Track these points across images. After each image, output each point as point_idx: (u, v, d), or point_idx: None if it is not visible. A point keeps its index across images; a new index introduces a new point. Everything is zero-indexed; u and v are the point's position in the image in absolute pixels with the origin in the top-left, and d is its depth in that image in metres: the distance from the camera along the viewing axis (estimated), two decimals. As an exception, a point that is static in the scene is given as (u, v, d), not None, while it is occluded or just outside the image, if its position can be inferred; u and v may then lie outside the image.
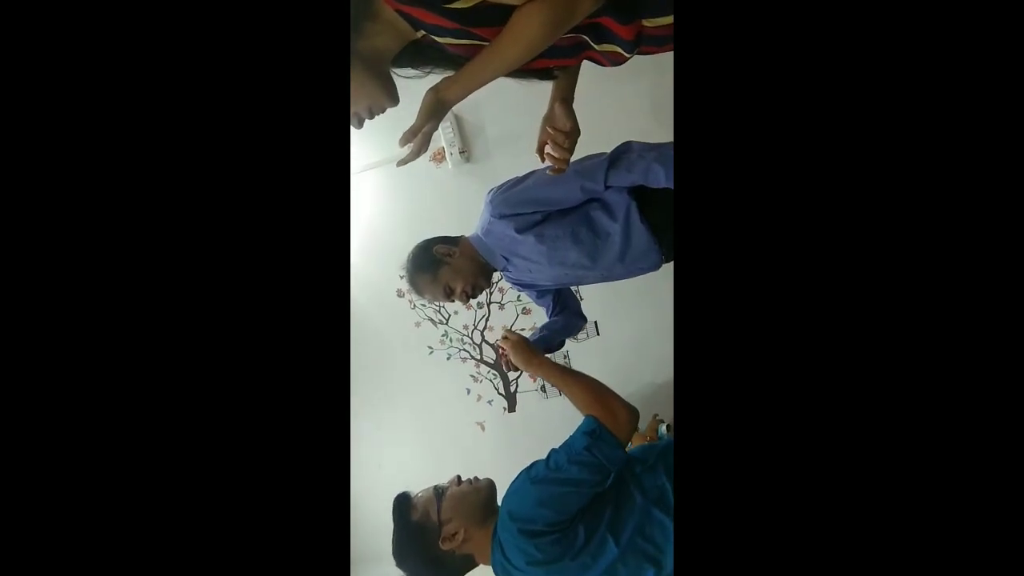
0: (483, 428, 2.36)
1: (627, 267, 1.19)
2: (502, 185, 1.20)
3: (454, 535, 1.02)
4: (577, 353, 2.25)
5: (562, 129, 0.92)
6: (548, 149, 0.95)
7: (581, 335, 2.25)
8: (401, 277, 2.24)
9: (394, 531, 1.06)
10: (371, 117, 0.90)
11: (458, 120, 2.15)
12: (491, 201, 1.15)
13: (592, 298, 2.20)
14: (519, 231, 1.13)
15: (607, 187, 1.07)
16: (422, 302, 2.34)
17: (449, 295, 1.23)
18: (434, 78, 0.84)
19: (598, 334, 2.23)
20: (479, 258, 1.22)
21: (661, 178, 1.04)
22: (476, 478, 1.12)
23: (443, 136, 2.13)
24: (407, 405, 2.39)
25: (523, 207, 1.11)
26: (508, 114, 2.12)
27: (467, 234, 1.28)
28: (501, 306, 2.30)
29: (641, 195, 1.10)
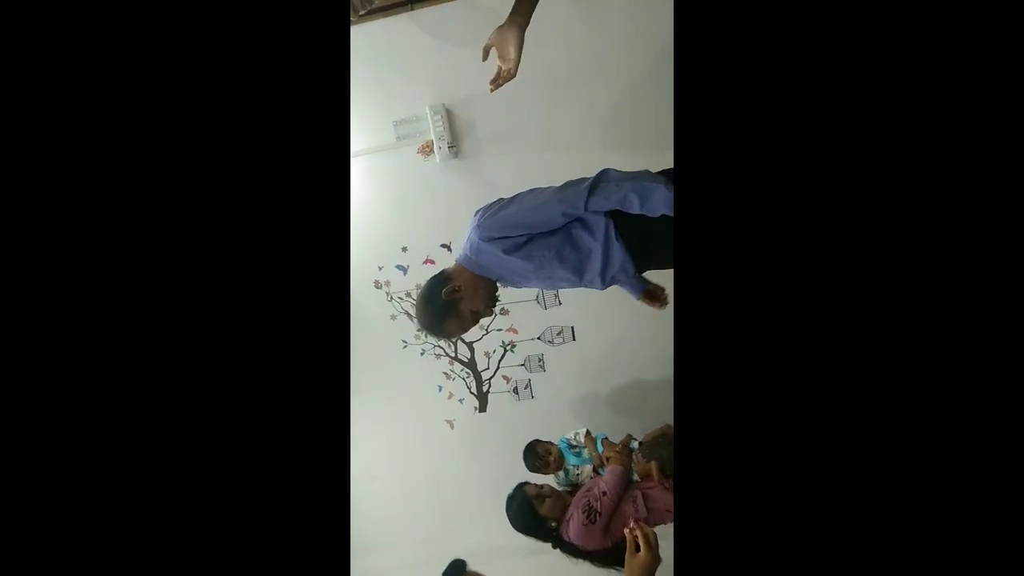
0: (452, 426, 2.34)
1: (607, 280, 1.27)
2: (488, 208, 1.24)
3: None
4: (552, 355, 2.26)
5: (507, 64, 1.11)
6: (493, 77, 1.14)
7: (557, 339, 2.26)
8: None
9: None
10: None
11: (449, 114, 2.13)
12: (479, 225, 1.20)
13: (569, 304, 2.22)
14: (506, 252, 1.17)
15: (586, 211, 1.17)
16: (399, 295, 2.31)
17: (477, 319, 1.28)
18: None
19: (574, 339, 2.24)
20: (480, 278, 1.25)
21: (636, 206, 1.12)
22: None
23: (432, 129, 2.11)
24: (378, 397, 2.36)
25: (509, 231, 1.17)
26: (500, 114, 2.11)
27: (455, 256, 1.31)
28: (479, 305, 2.30)
29: (617, 214, 1.18)
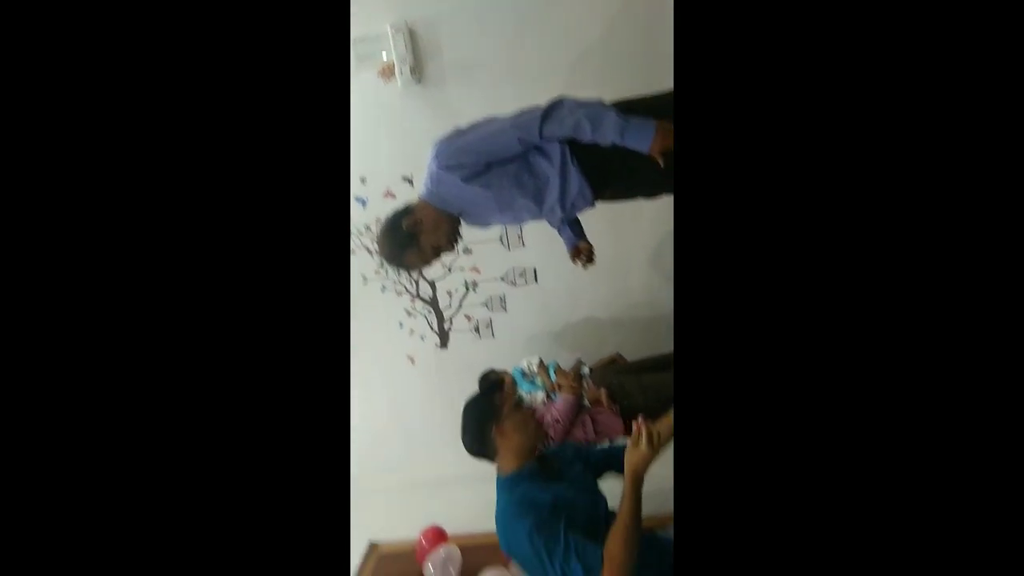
0: (413, 362, 2.38)
1: (567, 208, 1.29)
2: (446, 137, 1.23)
3: None
4: (514, 296, 2.28)
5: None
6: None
7: (520, 280, 2.27)
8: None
9: None
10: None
11: (412, 35, 1.96)
12: (437, 154, 1.20)
13: (532, 245, 2.21)
14: (465, 181, 1.18)
15: (541, 138, 1.17)
16: (357, 228, 2.23)
17: (438, 254, 1.29)
18: None
19: (536, 281, 2.26)
20: (442, 213, 1.27)
21: (587, 132, 1.13)
22: None
23: (394, 50, 1.94)
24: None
25: (467, 157, 1.18)
26: (467, 39, 1.96)
27: (418, 193, 1.29)
28: (442, 243, 2.26)
29: (573, 142, 1.20)
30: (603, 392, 1.73)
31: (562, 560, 0.98)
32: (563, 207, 1.27)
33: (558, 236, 2.18)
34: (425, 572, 1.81)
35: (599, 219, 2.16)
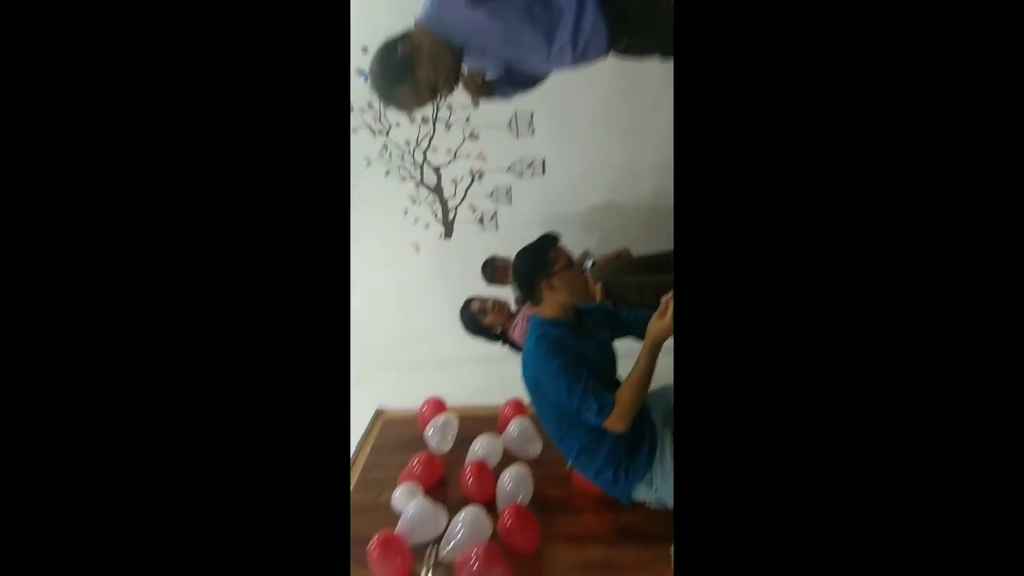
0: (417, 250, 2.41)
1: (578, 51, 1.16)
2: None
3: None
4: (520, 189, 2.23)
5: None
6: None
7: (527, 172, 2.20)
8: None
9: None
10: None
11: None
12: None
13: (541, 133, 2.10)
14: (471, 3, 1.03)
15: None
16: (361, 105, 2.12)
17: (434, 91, 1.13)
18: None
19: (544, 173, 2.19)
20: (443, 43, 1.10)
21: None
22: None
23: None
24: (341, 217, 2.35)
25: None
26: None
27: (416, 17, 1.12)
28: (448, 126, 2.14)
29: None
30: (599, 287, 1.78)
31: (581, 396, 1.16)
32: (574, 47, 1.13)
33: (568, 125, 2.07)
34: (425, 436, 2.03)
35: (608, 119, 2.03)
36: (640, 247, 2.00)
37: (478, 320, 1.85)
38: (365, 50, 2.04)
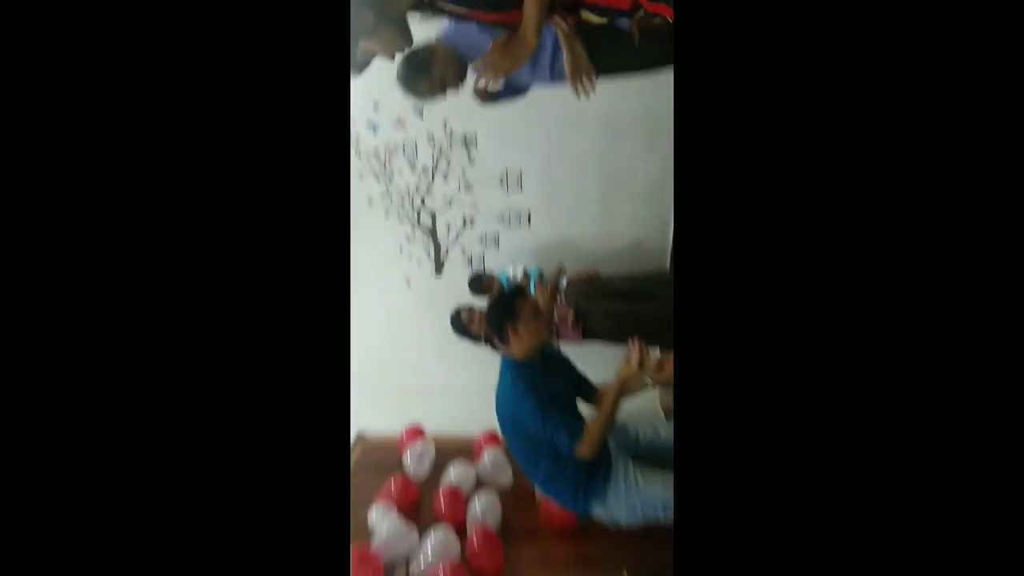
0: (409, 284, 2.58)
1: (555, 72, 1.34)
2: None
3: None
4: (506, 236, 2.43)
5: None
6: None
7: (514, 222, 2.42)
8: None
9: None
10: (391, 58, 1.10)
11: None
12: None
13: (529, 189, 2.34)
14: (480, 31, 1.24)
15: None
16: (367, 152, 2.34)
17: (444, 89, 1.37)
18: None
19: (529, 224, 2.41)
20: (454, 53, 1.35)
21: None
22: None
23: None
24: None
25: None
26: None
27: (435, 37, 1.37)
28: (445, 177, 2.37)
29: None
30: (571, 314, 1.98)
31: (555, 426, 1.35)
32: (552, 69, 1.34)
33: (554, 183, 2.31)
34: (404, 461, 2.15)
35: (588, 180, 2.28)
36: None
37: (465, 326, 2.09)
38: (376, 106, 2.27)
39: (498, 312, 1.46)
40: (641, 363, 1.33)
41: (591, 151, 2.29)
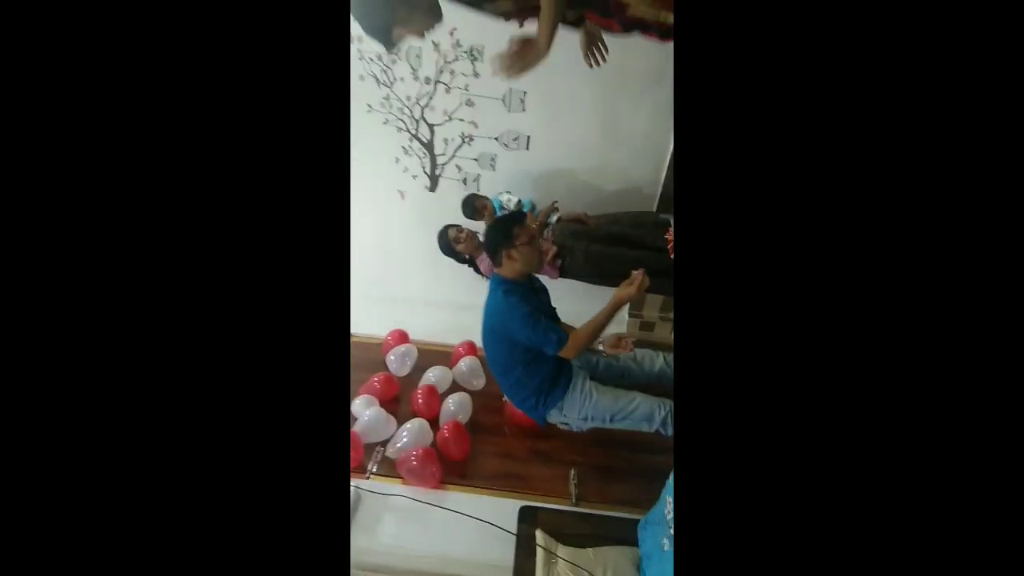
0: (403, 196, 2.62)
1: None
2: None
3: None
4: (504, 158, 2.45)
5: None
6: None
7: (513, 144, 2.43)
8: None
9: None
10: (421, 36, 1.13)
11: None
12: None
13: (532, 111, 2.32)
14: None
15: None
16: (371, 55, 2.27)
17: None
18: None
19: (528, 149, 2.42)
20: None
21: None
22: None
23: None
24: (336, 153, 2.51)
25: None
26: None
27: None
28: (448, 89, 2.33)
29: None
30: (553, 249, 2.08)
31: (543, 332, 1.51)
32: None
33: (556, 112, 2.27)
34: (387, 359, 2.34)
35: (593, 108, 2.26)
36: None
37: (452, 245, 2.16)
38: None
39: (496, 235, 1.56)
40: (640, 286, 1.48)
41: (597, 86, 2.25)
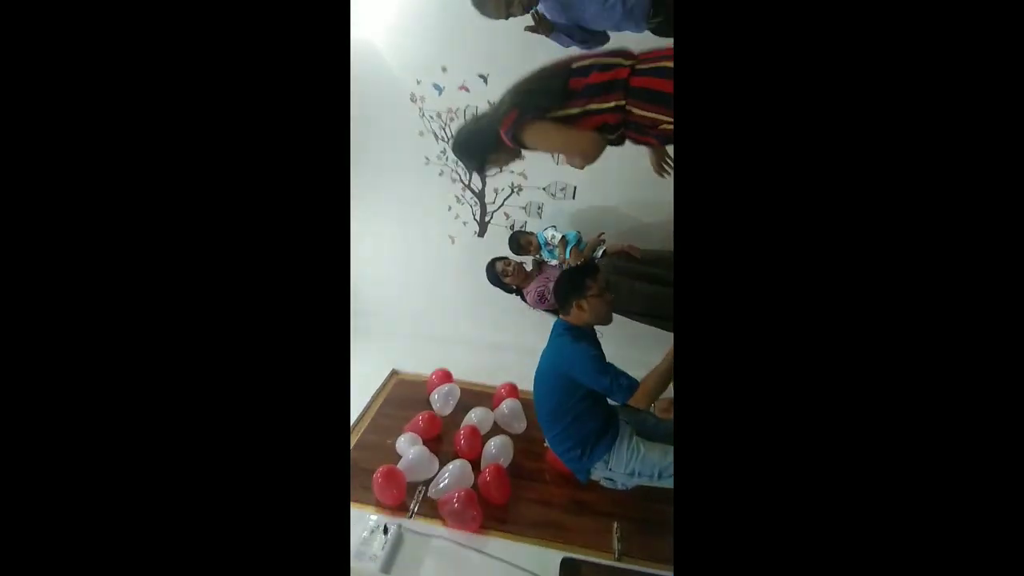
0: (453, 241, 2.75)
1: (626, 9, 1.38)
2: None
3: None
4: (550, 207, 2.55)
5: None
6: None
7: (559, 194, 2.53)
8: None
9: None
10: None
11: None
12: None
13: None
14: None
15: None
16: (431, 113, 2.47)
17: (510, 7, 1.41)
18: None
19: (574, 198, 2.52)
20: None
21: None
22: None
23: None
24: (393, 199, 2.70)
25: None
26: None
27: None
28: (500, 143, 2.49)
29: None
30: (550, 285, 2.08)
31: (613, 378, 1.47)
32: (624, 4, 1.37)
33: (602, 161, 2.38)
34: (431, 398, 2.39)
35: (631, 158, 2.35)
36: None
37: (500, 277, 2.30)
38: (444, 69, 2.38)
39: (568, 285, 1.60)
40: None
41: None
